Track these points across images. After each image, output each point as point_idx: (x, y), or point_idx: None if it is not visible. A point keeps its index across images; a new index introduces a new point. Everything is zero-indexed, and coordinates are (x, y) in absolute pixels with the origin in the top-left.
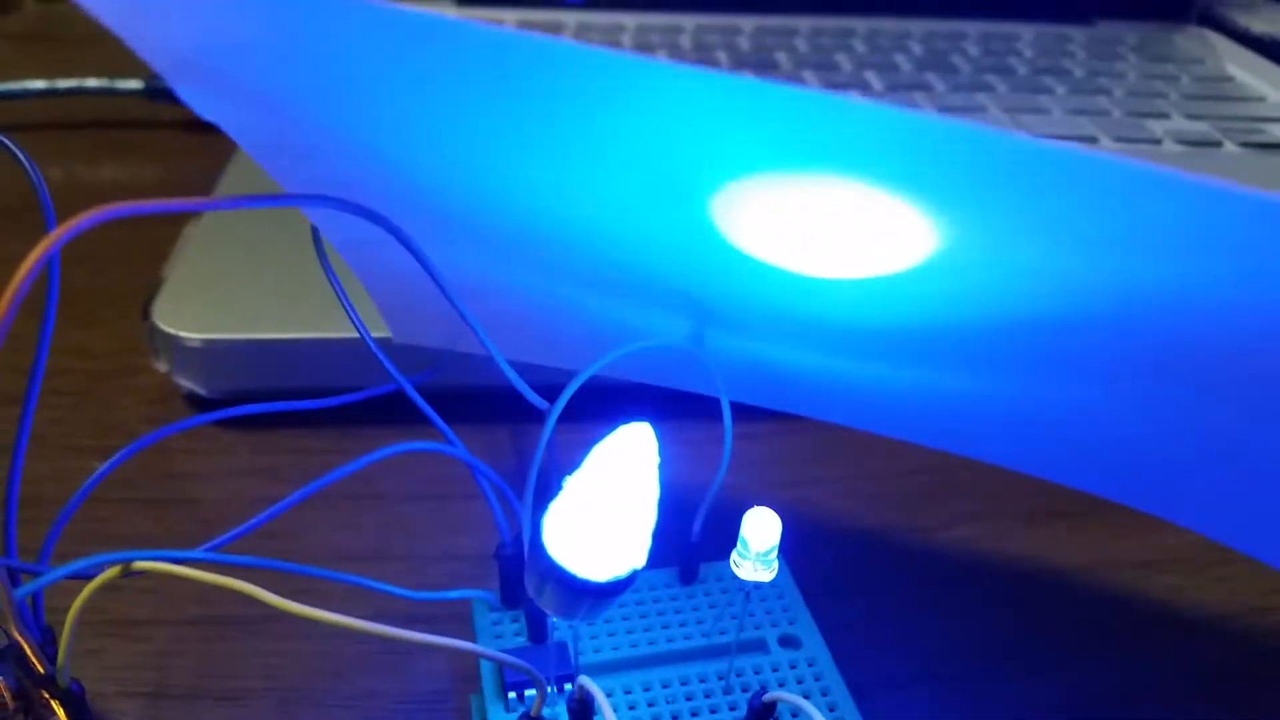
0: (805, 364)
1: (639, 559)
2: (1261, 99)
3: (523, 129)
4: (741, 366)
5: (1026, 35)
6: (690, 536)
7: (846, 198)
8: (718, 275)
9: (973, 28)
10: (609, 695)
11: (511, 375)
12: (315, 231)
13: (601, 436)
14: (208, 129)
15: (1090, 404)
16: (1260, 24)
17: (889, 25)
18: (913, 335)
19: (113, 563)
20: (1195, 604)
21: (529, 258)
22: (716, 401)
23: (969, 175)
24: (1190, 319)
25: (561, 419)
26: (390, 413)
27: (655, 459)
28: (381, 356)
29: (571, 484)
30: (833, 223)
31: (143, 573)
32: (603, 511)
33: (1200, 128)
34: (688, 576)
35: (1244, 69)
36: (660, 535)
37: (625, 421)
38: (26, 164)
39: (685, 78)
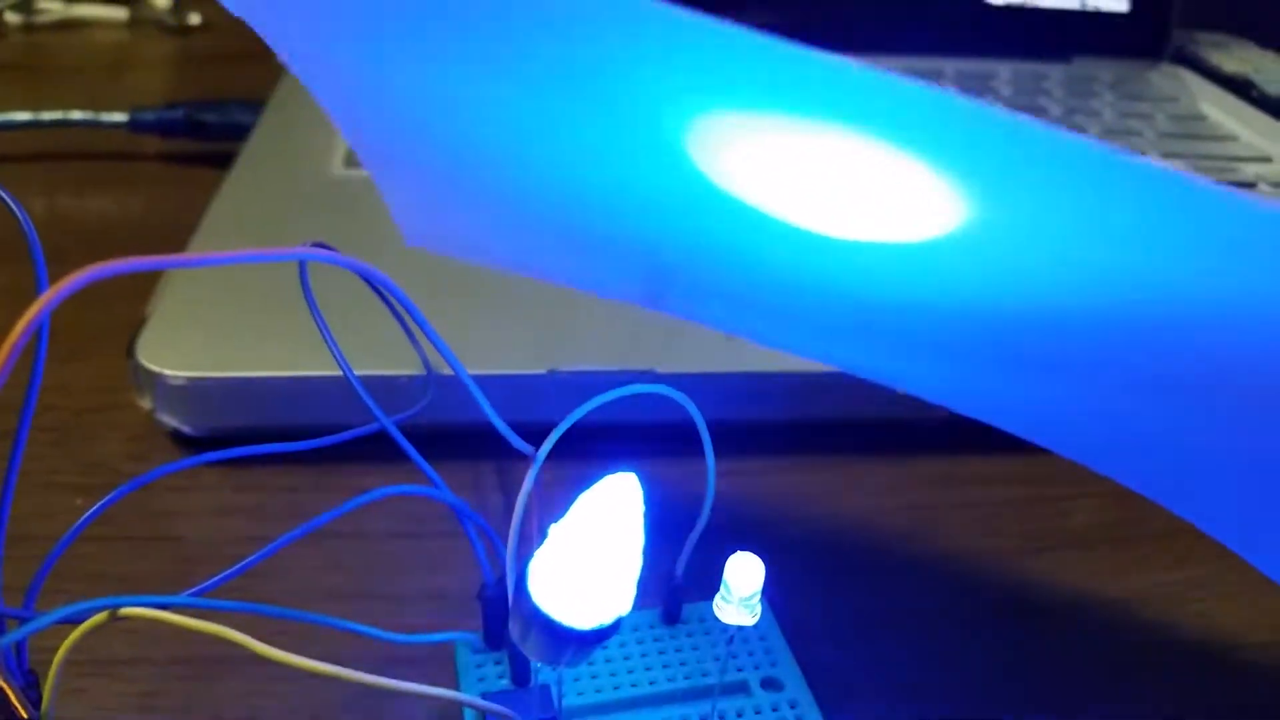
0: (783, 338)
1: (624, 606)
2: (1234, 138)
3: (497, 61)
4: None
5: (1004, 73)
6: (673, 578)
7: (855, 151)
8: (702, 223)
9: (951, 65)
10: None
11: (496, 420)
12: (302, 267)
13: (586, 479)
14: (190, 161)
15: (1108, 407)
16: (1232, 63)
17: (869, 62)
18: (912, 315)
19: (99, 609)
20: (1174, 639)
21: (513, 200)
22: (698, 438)
23: (1004, 164)
24: (1205, 324)
25: (544, 461)
26: (373, 449)
27: (641, 507)
28: (366, 397)
29: (556, 531)
30: (837, 174)
31: (128, 617)
32: (588, 560)
33: (1175, 167)
34: (670, 617)
35: (1217, 107)
36: (644, 576)
37: (611, 469)
38: (19, 214)
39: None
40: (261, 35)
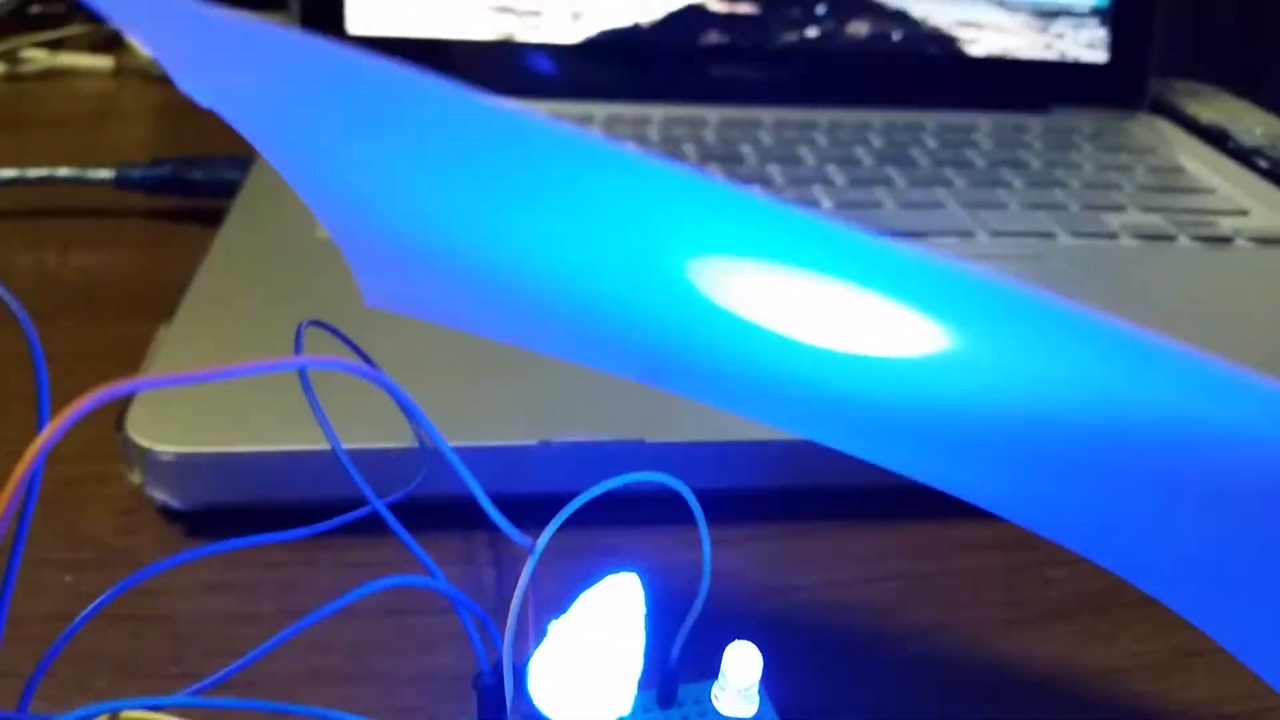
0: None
1: (624, 707)
2: (1211, 191)
3: (499, 196)
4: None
5: (984, 125)
6: (668, 660)
7: (849, 295)
8: (687, 325)
9: (931, 118)
10: None
11: (494, 513)
12: (303, 375)
13: (578, 550)
14: (177, 218)
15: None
16: (1208, 113)
17: (849, 117)
18: (906, 414)
19: (100, 713)
20: (1162, 712)
21: (499, 301)
22: (687, 506)
23: (984, 312)
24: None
25: (528, 529)
26: (364, 522)
27: (642, 609)
28: (359, 479)
29: (557, 630)
30: (834, 309)
31: None
32: (588, 661)
33: (1154, 220)
34: (666, 700)
35: (1194, 159)
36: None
37: (611, 570)
38: (21, 317)
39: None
40: (228, 121)
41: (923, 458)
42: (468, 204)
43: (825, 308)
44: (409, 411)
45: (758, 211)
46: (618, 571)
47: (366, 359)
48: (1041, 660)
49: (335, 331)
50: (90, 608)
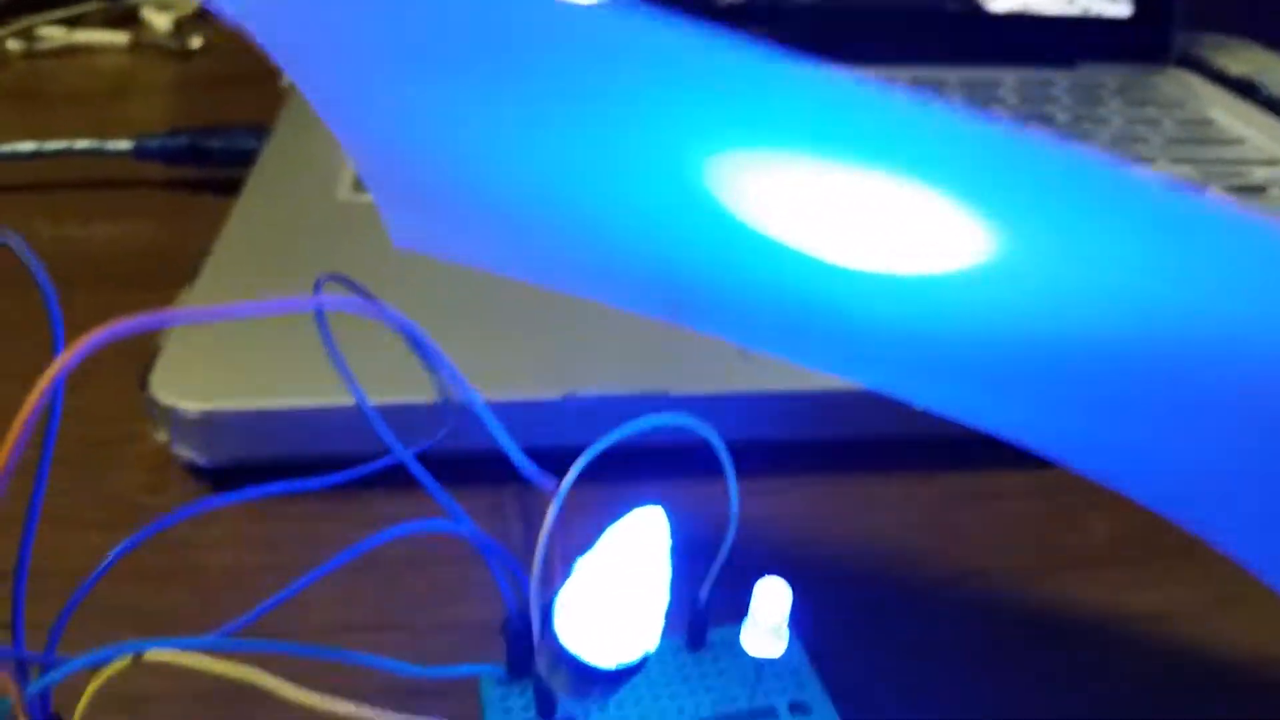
0: (806, 357)
1: (651, 643)
2: (1241, 141)
3: (510, 91)
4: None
5: (1009, 80)
6: (697, 603)
7: (874, 189)
8: (712, 250)
9: (954, 75)
10: None
11: (516, 454)
12: (319, 314)
13: (605, 503)
14: (196, 188)
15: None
16: (1238, 65)
17: (872, 74)
18: (940, 342)
19: (124, 653)
20: (1204, 656)
21: (526, 226)
22: (715, 458)
23: (1035, 194)
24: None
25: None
26: (391, 477)
27: (668, 542)
28: (383, 430)
29: (582, 568)
30: (860, 211)
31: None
32: (615, 597)
33: (1185, 172)
34: (695, 643)
35: (1224, 111)
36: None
37: (637, 502)
38: (33, 265)
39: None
40: (260, 44)
41: (959, 387)
42: (493, 107)
43: (853, 210)
44: (425, 351)
45: (769, 72)
46: (643, 506)
47: (410, 336)
48: (1081, 605)
49: (353, 285)
50: (114, 551)
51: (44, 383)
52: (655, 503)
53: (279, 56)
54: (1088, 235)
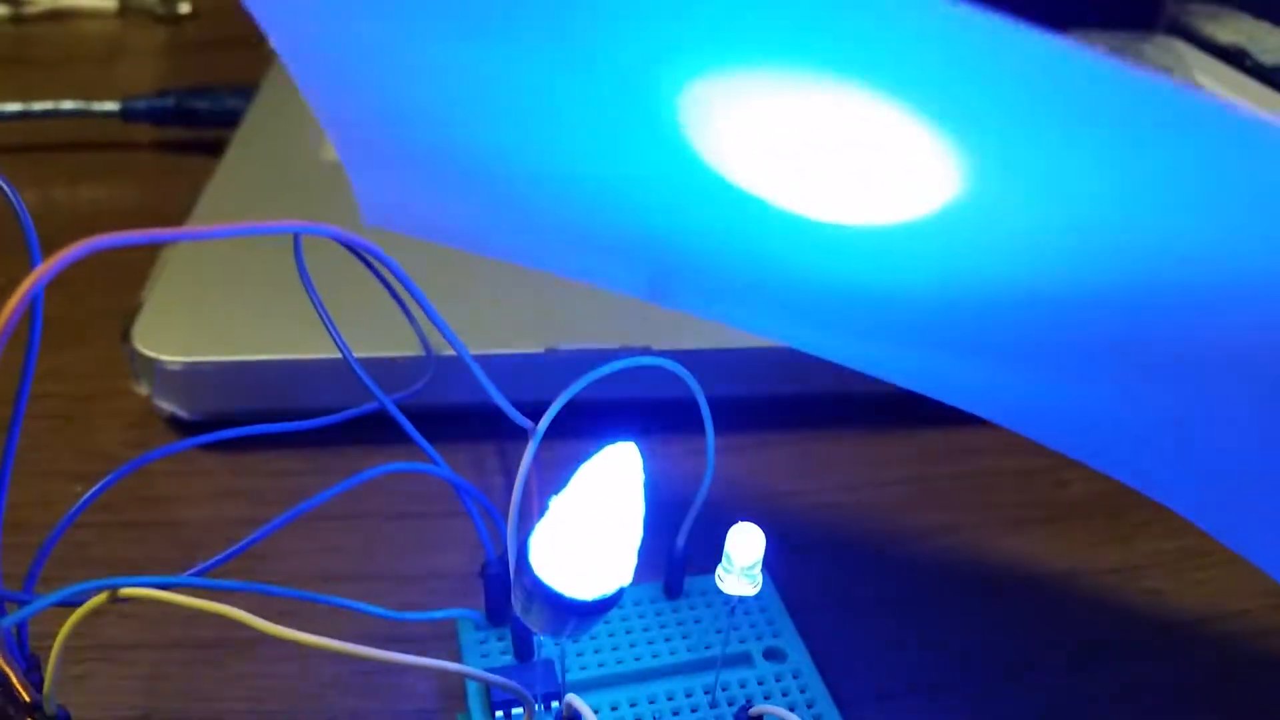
0: (780, 330)
1: (625, 577)
2: None
3: (472, 21)
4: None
5: None
6: (675, 551)
7: (844, 110)
8: (694, 209)
9: None
10: (596, 712)
11: (494, 393)
12: (296, 240)
13: (586, 454)
14: (183, 149)
15: (1106, 391)
16: (1226, 33)
17: None
18: (911, 303)
19: (99, 589)
20: (1175, 609)
21: (495, 183)
22: (697, 414)
23: (1007, 92)
24: (1249, 297)
25: (544, 437)
26: (372, 432)
27: (641, 477)
28: (363, 375)
29: (557, 503)
30: (827, 142)
31: (128, 599)
32: (589, 531)
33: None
34: (673, 591)
35: (1211, 77)
36: (645, 550)
37: (610, 440)
38: (11, 196)
39: None
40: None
41: (920, 352)
42: (462, 44)
43: (822, 144)
44: (402, 282)
45: None
46: (616, 441)
47: (362, 257)
48: (1053, 559)
49: (333, 232)
50: (89, 493)
51: (24, 288)
52: (628, 438)
53: (259, 15)
54: (1063, 143)
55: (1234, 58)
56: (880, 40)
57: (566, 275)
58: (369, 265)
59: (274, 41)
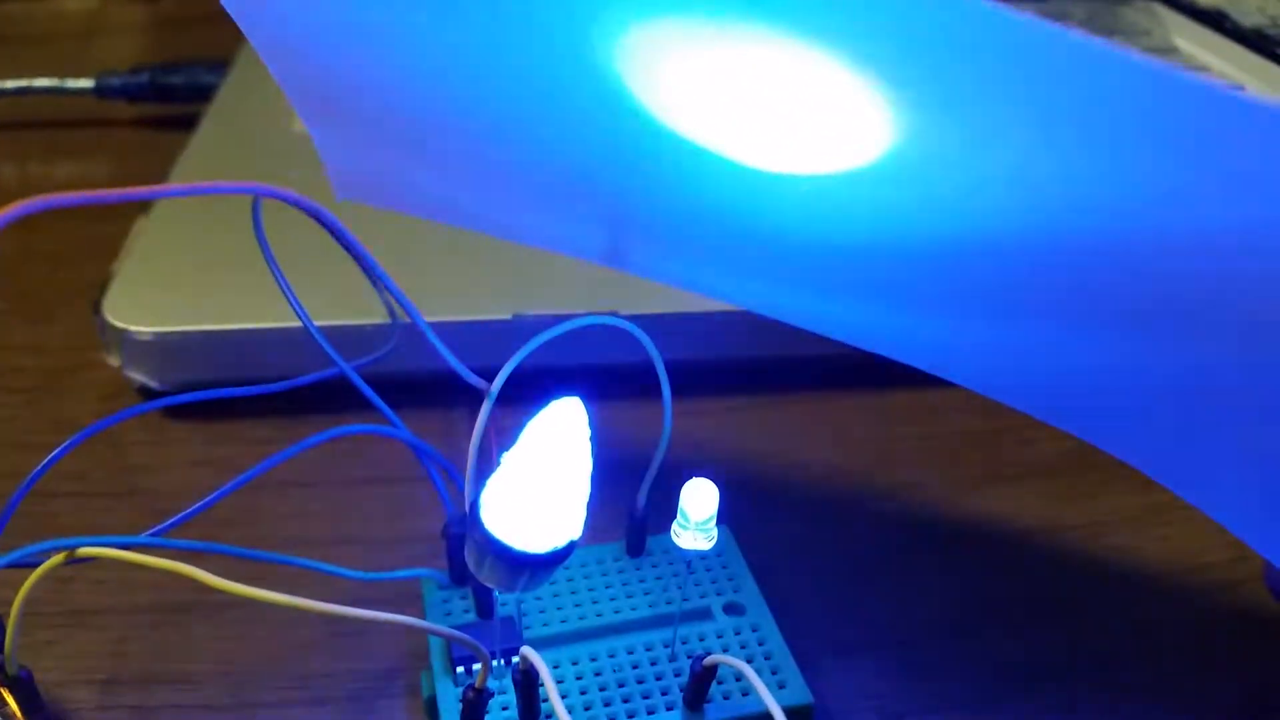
0: (742, 288)
1: (575, 530)
2: (1205, 69)
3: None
4: (675, 280)
5: None
6: (635, 510)
7: (784, 63)
8: (641, 158)
9: None
10: (556, 667)
11: (450, 358)
12: (255, 202)
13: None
14: (159, 125)
15: (1054, 341)
16: None
17: None
18: (859, 256)
19: (55, 550)
20: (1139, 564)
21: (451, 138)
22: (658, 379)
23: (934, 48)
24: (1176, 246)
25: (504, 402)
26: (339, 403)
27: (587, 432)
28: (323, 342)
29: (507, 460)
30: (768, 93)
31: (94, 561)
32: (537, 485)
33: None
34: (635, 549)
35: (1189, 40)
36: (608, 509)
37: (556, 397)
38: None
39: None
40: None
41: (879, 311)
42: (413, 28)
43: (761, 93)
44: (355, 251)
45: None
46: (561, 398)
47: (326, 224)
48: (1019, 516)
49: (296, 198)
50: (53, 454)
51: None
52: (572, 394)
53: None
54: (989, 97)
55: (1213, 20)
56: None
57: (529, 241)
58: (332, 232)
59: (237, 19)
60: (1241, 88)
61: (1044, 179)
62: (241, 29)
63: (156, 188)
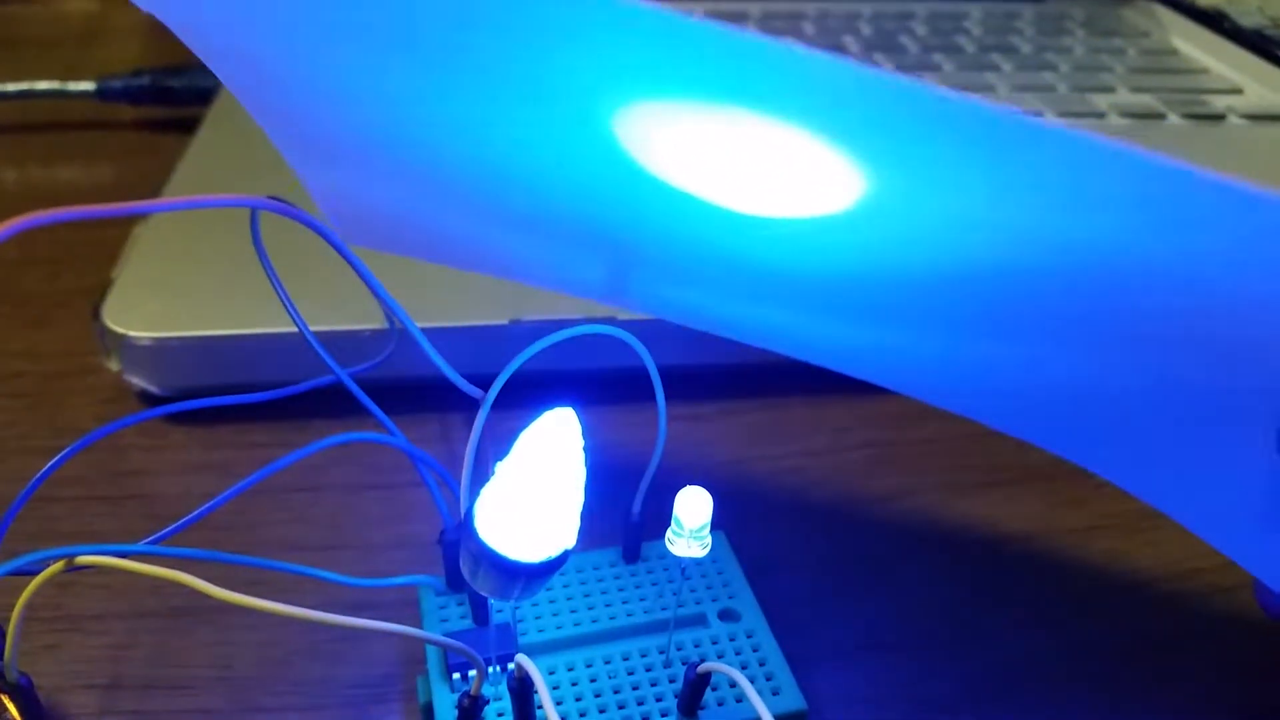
0: (734, 314)
1: (568, 539)
2: (1205, 70)
3: (431, 58)
4: (670, 313)
5: (975, 13)
6: (631, 516)
7: (761, 135)
8: (637, 208)
9: (921, 7)
10: (552, 673)
11: (444, 367)
12: (253, 215)
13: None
14: (160, 127)
15: (1029, 360)
16: None
17: (838, 7)
18: (843, 284)
19: (55, 558)
20: (1130, 569)
21: (452, 193)
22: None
23: (892, 130)
24: (1127, 282)
25: (499, 408)
26: (336, 408)
27: (580, 441)
28: (320, 350)
29: (501, 469)
30: (749, 159)
31: (94, 568)
32: (530, 494)
33: (1144, 100)
34: (630, 555)
35: (1188, 41)
36: (604, 515)
37: (551, 406)
38: None
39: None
40: (179, 35)
41: (844, 327)
42: (414, 74)
43: (744, 156)
44: (350, 262)
45: (667, 27)
46: (554, 408)
47: (322, 232)
48: (1011, 520)
49: (291, 209)
50: (55, 460)
51: None
52: (567, 404)
53: (190, 38)
54: (938, 164)
55: (1213, 20)
56: (777, 84)
57: (530, 282)
58: (328, 240)
59: (216, 72)
60: (1239, 90)
61: (1005, 223)
62: (240, 99)
63: (153, 202)
